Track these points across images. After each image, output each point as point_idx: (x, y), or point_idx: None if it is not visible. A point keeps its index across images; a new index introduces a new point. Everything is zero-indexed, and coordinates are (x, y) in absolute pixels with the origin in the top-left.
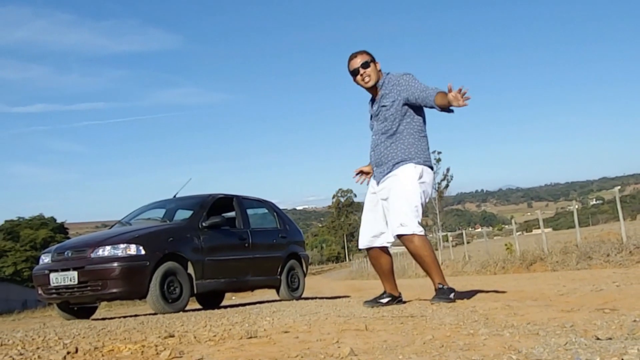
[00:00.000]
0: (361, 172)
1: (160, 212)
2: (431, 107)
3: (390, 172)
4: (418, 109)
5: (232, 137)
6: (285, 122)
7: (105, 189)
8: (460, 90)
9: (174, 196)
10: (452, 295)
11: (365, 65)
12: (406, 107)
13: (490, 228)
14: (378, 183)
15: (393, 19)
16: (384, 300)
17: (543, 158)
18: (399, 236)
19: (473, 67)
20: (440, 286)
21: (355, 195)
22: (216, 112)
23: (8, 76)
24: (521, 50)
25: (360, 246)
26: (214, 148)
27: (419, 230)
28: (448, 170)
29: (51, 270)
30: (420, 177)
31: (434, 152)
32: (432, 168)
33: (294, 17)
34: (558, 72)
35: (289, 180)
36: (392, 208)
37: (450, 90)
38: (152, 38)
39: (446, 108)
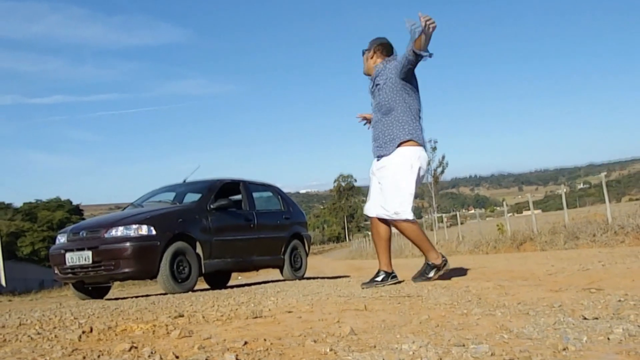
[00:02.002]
0: (364, 118)
1: (171, 195)
2: (416, 57)
3: (385, 150)
4: (413, 91)
5: (238, 125)
6: (289, 111)
7: (119, 174)
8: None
9: (184, 181)
10: (431, 274)
11: (363, 52)
12: (401, 85)
13: (483, 210)
14: (377, 159)
15: (394, 12)
16: (379, 279)
17: (533, 145)
18: (393, 221)
19: (466, 59)
20: (427, 263)
21: (356, 180)
22: (223, 102)
23: (26, 68)
24: (511, 42)
25: (368, 213)
26: (221, 136)
27: (411, 217)
28: (443, 157)
29: (67, 250)
30: (414, 158)
31: (429, 141)
32: (424, 146)
33: (296, 11)
34: (547, 63)
35: (292, 165)
36: (387, 195)
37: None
38: (161, 32)
39: (424, 48)
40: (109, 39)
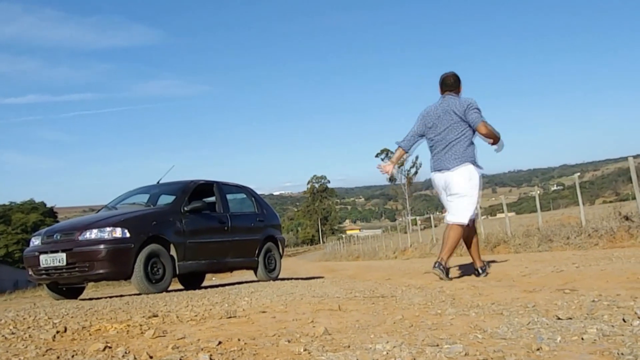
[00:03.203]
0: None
1: (145, 197)
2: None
3: None
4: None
5: (212, 125)
6: (262, 112)
7: (93, 175)
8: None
9: (158, 182)
10: (440, 271)
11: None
12: None
13: None
14: None
15: (370, 11)
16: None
17: (507, 146)
18: None
19: (438, 58)
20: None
21: (329, 182)
22: (197, 103)
23: (0, 69)
24: (484, 43)
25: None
26: (195, 136)
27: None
28: (417, 158)
29: (41, 252)
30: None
31: (402, 140)
32: (435, 171)
33: (270, 12)
34: (520, 63)
35: (266, 166)
36: None
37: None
38: (135, 33)
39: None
40: (83, 40)
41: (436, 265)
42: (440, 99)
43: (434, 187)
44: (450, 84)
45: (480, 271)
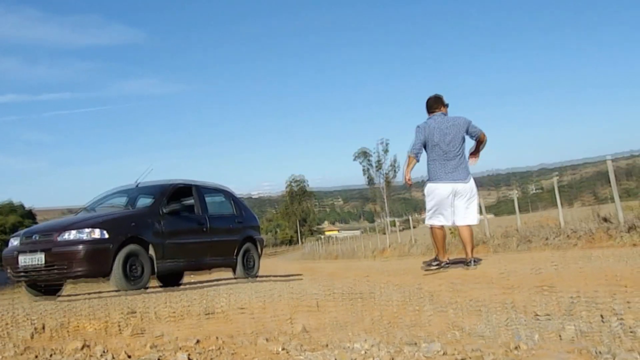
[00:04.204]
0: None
1: (123, 199)
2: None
3: None
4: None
5: (191, 125)
6: (241, 112)
7: (72, 176)
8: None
9: (136, 184)
10: (432, 265)
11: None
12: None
13: None
14: None
15: (347, 9)
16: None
17: (486, 147)
18: None
19: (417, 57)
20: (435, 257)
21: (307, 183)
22: (176, 102)
23: None
24: (460, 43)
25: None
26: (174, 136)
27: (429, 224)
28: (395, 159)
29: (20, 252)
30: (426, 190)
31: (381, 141)
32: (437, 180)
33: (249, 12)
34: (497, 63)
35: (244, 167)
36: None
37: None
38: (115, 32)
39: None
40: (62, 39)
41: (472, 262)
42: (438, 115)
43: (436, 193)
44: (431, 103)
45: (473, 262)
